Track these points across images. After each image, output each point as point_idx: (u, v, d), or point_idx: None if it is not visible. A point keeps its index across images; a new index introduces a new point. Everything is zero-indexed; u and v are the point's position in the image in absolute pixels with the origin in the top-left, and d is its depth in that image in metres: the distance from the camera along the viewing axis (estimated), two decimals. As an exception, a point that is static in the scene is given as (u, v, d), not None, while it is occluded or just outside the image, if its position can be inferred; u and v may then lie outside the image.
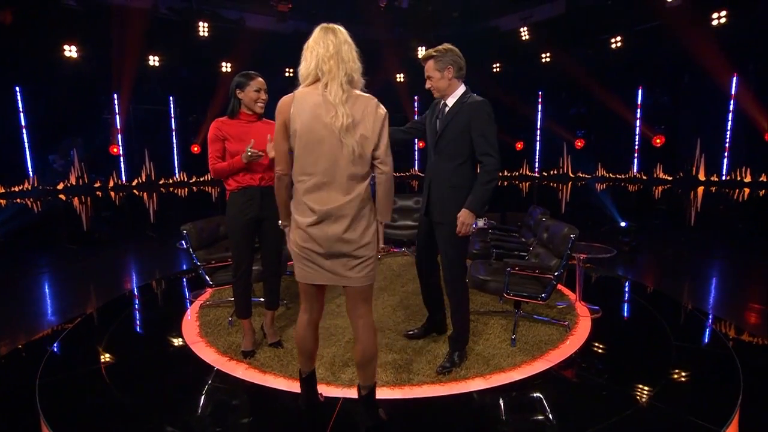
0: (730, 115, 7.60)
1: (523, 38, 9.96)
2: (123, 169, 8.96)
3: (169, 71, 9.47)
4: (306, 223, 2.13)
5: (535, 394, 2.83)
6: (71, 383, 3.04)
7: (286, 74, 10.84)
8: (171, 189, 9.38)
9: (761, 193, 6.79)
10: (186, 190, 9.52)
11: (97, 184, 8.63)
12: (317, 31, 2.16)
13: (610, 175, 8.94)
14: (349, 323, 2.45)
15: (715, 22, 7.56)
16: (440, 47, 2.92)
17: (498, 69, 10.45)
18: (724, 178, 7.40)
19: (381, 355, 3.24)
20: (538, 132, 10.49)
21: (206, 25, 9.53)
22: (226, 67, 10.21)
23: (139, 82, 9.07)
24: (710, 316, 4.13)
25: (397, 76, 11.35)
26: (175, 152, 9.61)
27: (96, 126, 8.83)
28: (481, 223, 5.18)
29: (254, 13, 10.53)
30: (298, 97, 2.11)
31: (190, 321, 4.01)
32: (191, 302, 4.49)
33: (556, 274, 3.30)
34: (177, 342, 3.62)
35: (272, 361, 3.20)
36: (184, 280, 5.48)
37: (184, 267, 6.08)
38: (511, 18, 10.47)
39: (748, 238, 6.86)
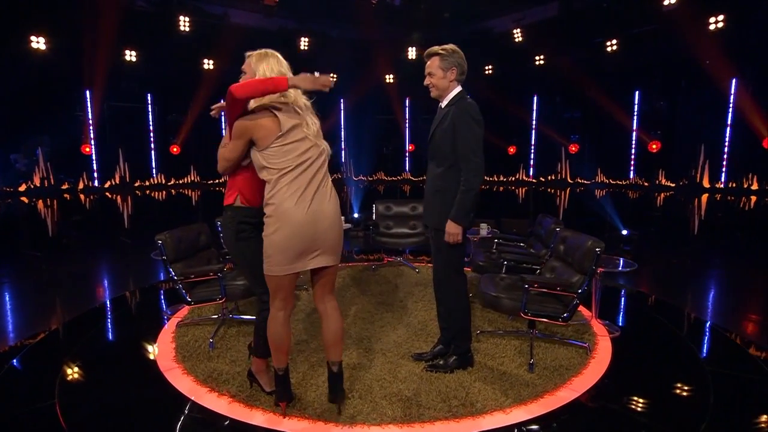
0: (729, 121, 7.45)
1: (517, 40, 9.74)
2: (95, 170, 8.38)
3: (147, 67, 8.94)
4: None
5: (565, 430, 2.48)
6: (20, 422, 2.57)
7: (271, 72, 10.39)
8: (148, 192, 8.81)
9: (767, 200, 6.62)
10: (164, 193, 8.96)
11: (65, 186, 8.03)
12: (264, 57, 2.38)
13: (610, 181, 8.72)
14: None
15: (712, 27, 7.43)
16: (447, 46, 2.82)
17: (491, 71, 10.20)
18: (723, 185, 7.23)
19: (385, 385, 2.85)
20: (533, 136, 10.26)
21: (187, 19, 9.06)
22: (208, 64, 9.75)
23: (114, 78, 8.53)
24: (735, 337, 3.85)
25: (387, 77, 11.02)
26: (153, 153, 9.05)
27: (65, 123, 8.24)
28: (483, 231, 4.86)
29: (239, 8, 10.08)
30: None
31: (165, 342, 3.55)
32: (168, 318, 4.03)
33: (579, 292, 2.96)
34: (150, 368, 3.17)
35: (259, 392, 2.78)
36: (162, 292, 5.00)
37: (159, 277, 5.59)
38: (504, 20, 10.25)
39: (746, 248, 6.69)
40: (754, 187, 6.78)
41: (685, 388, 2.94)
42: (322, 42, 10.57)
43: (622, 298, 4.71)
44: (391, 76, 11.02)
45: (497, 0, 9.92)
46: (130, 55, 8.82)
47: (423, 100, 11.46)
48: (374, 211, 5.62)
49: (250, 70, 2.38)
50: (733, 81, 7.40)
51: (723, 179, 7.31)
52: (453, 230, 2.77)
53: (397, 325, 3.79)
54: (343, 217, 2.60)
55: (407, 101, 11.72)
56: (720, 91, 7.43)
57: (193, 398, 2.77)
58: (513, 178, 10.39)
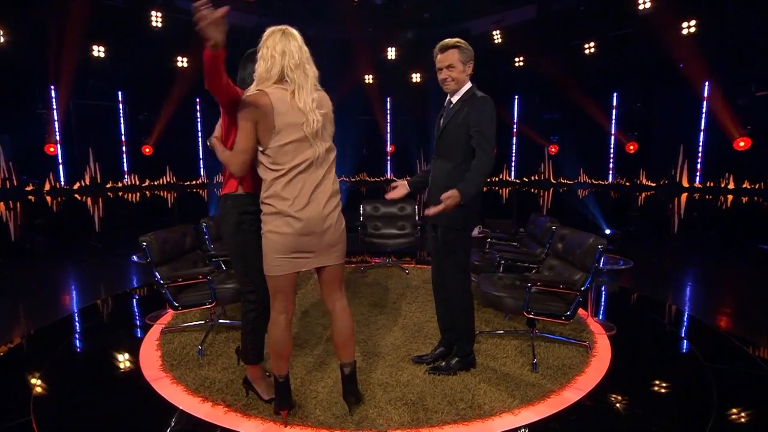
0: (703, 123, 7.67)
1: (496, 42, 9.80)
2: (61, 171, 7.95)
3: (117, 64, 8.57)
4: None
5: (575, 430, 2.44)
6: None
7: (248, 71, 10.14)
8: (120, 193, 8.41)
9: (744, 199, 6.83)
10: (138, 194, 8.59)
11: (30, 188, 7.59)
12: (274, 35, 2.20)
13: (593, 181, 8.85)
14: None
15: (685, 31, 7.63)
16: (460, 40, 2.74)
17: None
18: (700, 185, 7.44)
19: (389, 390, 2.75)
20: (514, 137, 10.35)
21: (159, 14, 8.72)
22: (182, 62, 9.42)
23: (81, 75, 8.12)
24: (734, 336, 3.91)
25: (366, 77, 10.91)
26: (124, 153, 8.66)
27: (28, 122, 7.79)
28: (475, 231, 4.81)
29: (215, 4, 9.79)
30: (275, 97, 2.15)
31: (149, 351, 3.35)
32: (148, 326, 3.81)
33: (582, 289, 2.93)
34: (135, 379, 2.97)
35: (256, 400, 2.63)
36: (135, 298, 4.75)
37: (135, 283, 5.33)
38: (483, 21, 10.31)
39: (722, 245, 6.89)
40: (731, 186, 7.00)
41: (688, 384, 2.94)
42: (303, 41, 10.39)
43: (608, 296, 4.74)
44: (371, 76, 10.93)
45: (477, 2, 9.97)
46: (98, 51, 8.45)
47: (404, 101, 11.51)
48: (361, 211, 5.51)
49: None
50: (706, 84, 7.62)
51: (698, 180, 7.52)
52: (453, 200, 2.50)
53: (393, 328, 3.69)
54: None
55: (388, 102, 11.65)
56: (694, 94, 7.65)
57: (185, 409, 2.61)
58: (496, 179, 10.44)
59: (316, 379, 2.87)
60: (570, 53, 8.83)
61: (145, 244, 3.17)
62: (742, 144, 7.18)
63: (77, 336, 3.80)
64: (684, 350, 3.47)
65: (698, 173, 7.59)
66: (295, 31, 2.22)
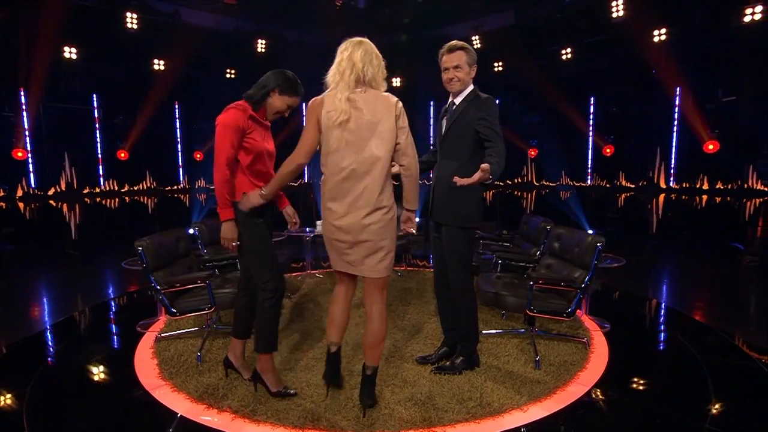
0: (675, 127, 7.96)
1: (475, 46, 9.96)
2: (32, 177, 7.63)
3: (91, 66, 8.30)
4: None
5: (582, 425, 2.48)
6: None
7: (227, 75, 10.00)
8: (98, 199, 8.12)
9: (718, 200, 7.12)
10: (116, 200, 8.31)
11: (0, 194, 7.26)
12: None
13: (574, 183, 9.06)
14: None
15: (656, 39, 7.91)
16: (466, 43, 2.83)
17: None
18: (675, 186, 7.72)
19: (396, 390, 2.75)
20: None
21: (135, 16, 8.52)
22: (159, 65, 9.21)
23: (53, 77, 7.83)
24: (724, 331, 4.06)
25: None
26: (100, 158, 8.38)
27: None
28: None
29: (191, 7, 9.62)
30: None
31: (145, 359, 3.25)
32: (139, 334, 3.69)
33: (582, 286, 3.00)
34: (133, 389, 2.87)
35: (264, 406, 2.58)
36: (122, 306, 4.61)
37: (113, 292, 5.16)
38: (462, 26, 10.46)
39: (697, 243, 7.16)
40: (705, 187, 7.28)
41: (684, 376, 3.04)
42: (281, 44, 10.33)
43: (598, 294, 4.86)
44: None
45: (456, 7, 10.12)
46: (70, 53, 8.18)
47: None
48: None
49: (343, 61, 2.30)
50: (678, 89, 7.92)
51: (672, 181, 7.80)
52: (485, 170, 2.34)
53: (392, 329, 3.69)
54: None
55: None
56: (667, 99, 7.94)
57: (190, 417, 2.54)
58: None
59: (324, 381, 2.84)
60: (548, 58, 9.04)
61: (140, 249, 3.08)
62: (711, 147, 7.50)
63: (65, 347, 3.65)
64: (675, 344, 3.57)
65: (672, 176, 7.87)
66: (362, 41, 2.35)
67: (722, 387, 2.83)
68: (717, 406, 2.63)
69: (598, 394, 2.78)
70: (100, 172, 8.31)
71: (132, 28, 8.54)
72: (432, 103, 10.29)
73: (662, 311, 4.46)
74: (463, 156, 2.80)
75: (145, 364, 3.16)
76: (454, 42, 2.79)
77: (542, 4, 9.46)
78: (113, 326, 4.13)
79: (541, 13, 9.40)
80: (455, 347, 3.08)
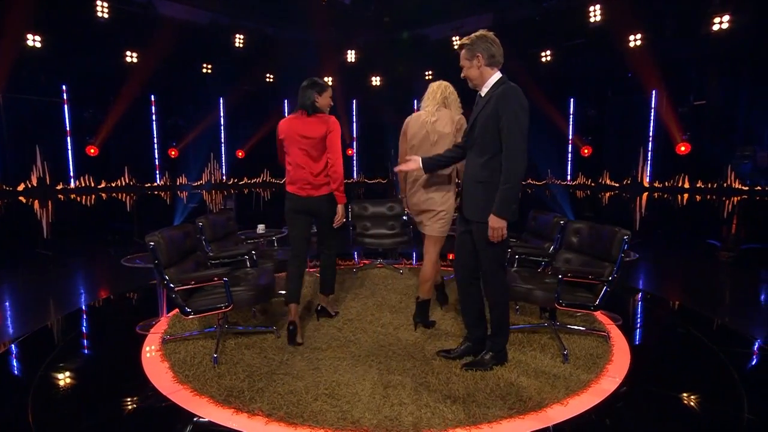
0: (651, 129, 8.26)
1: (456, 47, 10.00)
2: (-6, 172, 7.06)
3: (59, 56, 7.79)
4: None
5: (627, 417, 2.48)
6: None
7: (204, 70, 9.65)
8: (73, 196, 7.60)
9: (698, 198, 7.42)
10: (93, 197, 7.81)
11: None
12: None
13: (560, 182, 9.24)
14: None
15: (632, 44, 8.19)
16: (472, 35, 2.78)
17: (430, 76, 10.36)
18: (652, 185, 8.02)
19: (431, 389, 2.66)
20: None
21: (106, 5, 8.09)
22: (131, 57, 8.78)
23: (18, 67, 7.31)
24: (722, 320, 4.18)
25: (327, 79, 10.74)
26: (70, 153, 7.86)
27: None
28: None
29: (166, -1, 9.22)
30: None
31: (154, 363, 3.03)
32: (140, 336, 3.45)
33: (610, 279, 3.01)
34: (150, 394, 2.66)
35: (300, 410, 2.44)
36: (114, 307, 4.31)
37: (84, 298, 4.81)
38: (443, 27, 10.50)
39: (676, 240, 7.44)
40: (686, 185, 7.59)
41: (707, 365, 3.10)
42: (260, 40, 10.07)
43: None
44: (331, 78, 10.77)
45: (436, 8, 10.15)
46: (34, 41, 7.66)
47: (363, 105, 11.47)
48: (349, 211, 5.38)
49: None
50: (654, 92, 8.23)
51: (648, 181, 8.09)
52: (496, 224, 2.64)
53: (409, 327, 3.60)
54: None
55: (354, 104, 11.55)
56: (643, 101, 8.24)
57: (219, 422, 2.37)
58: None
59: (353, 381, 2.73)
60: (528, 61, 9.19)
61: (152, 244, 2.87)
62: (683, 149, 7.83)
63: (62, 350, 3.33)
64: (687, 335, 3.65)
65: (648, 174, 8.17)
66: (444, 84, 3.54)
67: (746, 375, 2.90)
68: (748, 394, 2.68)
69: (633, 386, 2.78)
70: (71, 168, 7.80)
71: (102, 17, 8.12)
72: (415, 101, 10.26)
73: (662, 305, 4.57)
74: (489, 151, 2.72)
75: (156, 368, 2.95)
76: (462, 39, 2.80)
77: (520, 7, 9.64)
78: (110, 329, 3.83)
79: (519, 16, 9.55)
80: (480, 343, 3.02)
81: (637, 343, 3.37)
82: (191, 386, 2.71)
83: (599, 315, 3.85)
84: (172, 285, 2.89)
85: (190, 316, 2.96)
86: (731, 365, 3.02)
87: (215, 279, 2.93)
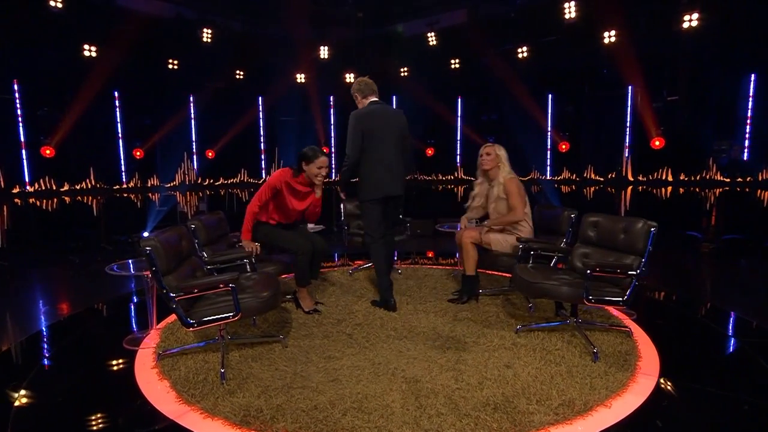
0: (628, 124, 8.40)
1: (431, 43, 9.87)
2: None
3: (7, 50, 7.14)
4: None
5: (679, 417, 2.36)
6: None
7: (169, 66, 9.11)
8: (32, 200, 6.95)
9: (681, 190, 7.56)
10: (55, 200, 7.17)
11: None
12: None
13: (543, 177, 9.25)
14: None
15: (606, 40, 8.30)
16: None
17: (406, 73, 10.19)
18: (637, 179, 8.16)
19: (466, 395, 2.47)
20: (458, 136, 10.53)
21: (59, -5, 7.47)
22: (90, 51, 8.16)
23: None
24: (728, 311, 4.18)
25: (299, 76, 10.41)
26: (24, 154, 7.22)
27: None
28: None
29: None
30: None
31: (151, 381, 2.70)
32: (129, 352, 3.09)
33: (638, 272, 2.90)
34: (154, 418, 2.34)
35: (324, 423, 2.19)
36: (93, 321, 3.89)
37: (42, 312, 4.36)
38: (418, 23, 10.35)
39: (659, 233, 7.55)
40: (669, 178, 7.73)
41: (734, 357, 3.05)
42: (227, 35, 9.63)
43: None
44: (303, 75, 10.45)
45: (408, 3, 10.01)
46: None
47: (339, 102, 11.20)
48: (342, 210, 5.12)
49: None
50: (630, 88, 8.37)
51: (629, 175, 8.23)
52: None
53: (422, 330, 3.39)
54: None
55: (331, 101, 11.25)
56: (619, 97, 8.36)
57: (242, 447, 2.09)
58: (451, 177, 10.50)
59: (380, 392, 2.50)
60: (504, 57, 9.17)
61: (149, 249, 2.54)
62: (657, 143, 8.00)
63: (33, 380, 2.92)
64: (704, 327, 3.61)
65: (627, 168, 8.31)
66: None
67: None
68: (784, 385, 2.63)
69: (672, 383, 2.68)
70: (25, 170, 7.14)
71: (56, 7, 7.50)
72: (395, 97, 10.07)
73: (666, 297, 4.55)
74: None
75: (156, 388, 2.62)
76: None
77: (494, 3, 9.63)
78: (91, 348, 3.41)
79: (493, 12, 9.53)
80: None
81: (658, 337, 3.28)
82: (201, 407, 2.40)
83: (612, 310, 3.77)
84: (172, 294, 2.56)
85: (195, 328, 2.64)
86: (760, 357, 2.97)
87: (221, 286, 2.63)
